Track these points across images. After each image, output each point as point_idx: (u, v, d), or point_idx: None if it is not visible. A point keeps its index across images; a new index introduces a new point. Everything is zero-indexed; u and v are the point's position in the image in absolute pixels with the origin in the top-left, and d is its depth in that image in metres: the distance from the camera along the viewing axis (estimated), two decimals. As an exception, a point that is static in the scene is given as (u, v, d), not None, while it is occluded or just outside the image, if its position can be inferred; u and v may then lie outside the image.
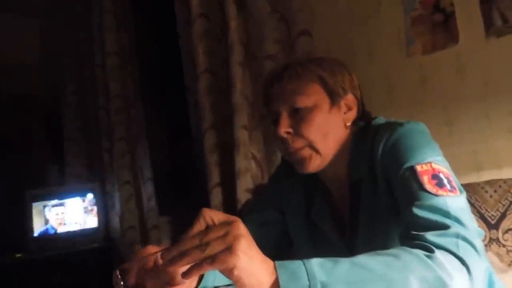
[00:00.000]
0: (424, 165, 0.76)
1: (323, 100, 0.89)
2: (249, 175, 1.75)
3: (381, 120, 0.92)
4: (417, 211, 0.71)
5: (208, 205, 1.80)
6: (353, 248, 0.86)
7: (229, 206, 1.80)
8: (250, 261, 0.56)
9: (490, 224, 1.22)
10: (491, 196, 1.24)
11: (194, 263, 0.56)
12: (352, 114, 0.92)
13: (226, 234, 0.56)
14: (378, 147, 0.84)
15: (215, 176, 1.82)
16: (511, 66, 1.34)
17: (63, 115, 2.79)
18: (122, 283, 0.67)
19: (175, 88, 2.27)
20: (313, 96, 0.88)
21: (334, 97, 0.90)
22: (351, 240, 0.88)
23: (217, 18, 1.88)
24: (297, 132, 0.86)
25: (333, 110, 0.89)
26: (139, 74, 2.41)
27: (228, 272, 0.55)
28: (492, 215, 1.23)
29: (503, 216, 1.21)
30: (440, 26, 1.47)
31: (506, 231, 1.20)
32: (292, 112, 0.87)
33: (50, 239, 2.33)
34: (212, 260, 0.54)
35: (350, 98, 0.91)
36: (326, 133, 0.88)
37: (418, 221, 0.70)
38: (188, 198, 2.30)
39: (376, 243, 0.65)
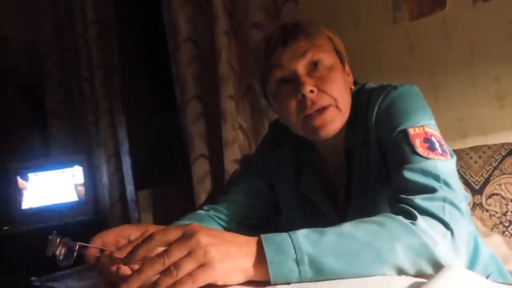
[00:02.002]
0: (417, 128, 0.76)
1: (336, 60, 0.87)
2: (236, 145, 1.74)
3: (372, 85, 0.91)
4: (407, 174, 0.71)
5: (190, 177, 1.79)
6: (345, 217, 0.87)
7: (216, 177, 1.80)
8: (229, 263, 0.56)
9: (474, 190, 1.24)
10: (475, 162, 1.26)
11: None
12: (352, 79, 0.91)
13: (192, 251, 0.54)
14: (373, 111, 0.84)
15: (198, 147, 1.81)
16: (498, 31, 1.32)
17: (45, 87, 2.73)
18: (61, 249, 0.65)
19: (159, 57, 2.23)
20: (330, 54, 0.86)
21: (342, 59, 0.89)
22: (344, 210, 0.89)
23: (199, -16, 1.83)
24: (321, 89, 0.82)
25: (344, 72, 0.88)
26: (120, 44, 2.35)
27: (213, 284, 0.55)
28: (476, 180, 1.24)
29: (486, 181, 1.23)
30: (428, -9, 1.44)
31: (490, 196, 1.22)
32: (311, 71, 0.83)
33: (38, 212, 2.32)
34: (192, 281, 0.52)
35: (347, 63, 0.91)
36: (345, 93, 0.86)
37: (407, 184, 0.71)
38: (171, 171, 2.29)
39: (367, 212, 0.66)
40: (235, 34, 1.77)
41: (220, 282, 0.55)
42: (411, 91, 0.84)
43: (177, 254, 0.53)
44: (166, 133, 2.35)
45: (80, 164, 2.43)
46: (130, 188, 2.20)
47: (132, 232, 0.74)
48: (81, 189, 2.43)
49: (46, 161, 2.53)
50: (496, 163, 1.23)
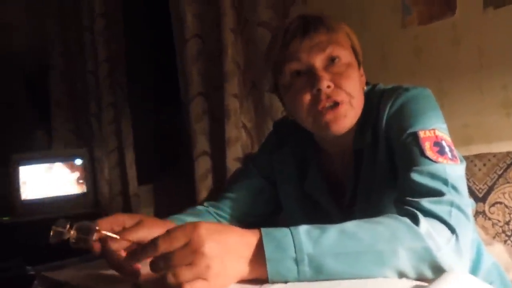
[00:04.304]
0: (427, 132, 0.75)
1: (353, 59, 0.86)
2: (239, 144, 1.73)
3: (382, 86, 0.90)
4: (415, 176, 0.70)
5: (192, 174, 1.79)
6: (350, 218, 0.86)
7: (218, 174, 1.79)
8: (229, 276, 0.56)
9: (478, 197, 1.23)
10: (479, 170, 1.25)
11: None
12: (364, 79, 0.90)
13: (194, 263, 0.53)
14: (384, 112, 0.82)
15: (201, 144, 1.80)
16: (507, 38, 1.31)
17: (50, 77, 2.72)
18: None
19: (165, 52, 2.22)
20: (348, 52, 0.85)
21: (358, 58, 0.87)
22: (349, 211, 0.87)
23: (208, -20, 1.82)
24: (338, 85, 0.80)
25: (359, 71, 0.87)
26: (126, 37, 2.34)
27: None
28: (480, 188, 1.23)
29: (490, 189, 1.22)
30: (438, -4, 1.43)
31: (493, 205, 1.21)
32: (328, 66, 0.82)
33: (38, 203, 2.32)
34: None
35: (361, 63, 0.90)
36: (360, 92, 0.84)
37: (414, 186, 0.70)
38: (173, 167, 2.29)
39: (372, 214, 0.65)
40: (241, 31, 1.76)
41: None
42: (424, 94, 0.83)
43: (179, 262, 0.53)
44: (169, 128, 2.35)
45: (81, 157, 2.43)
46: (132, 182, 2.20)
47: (126, 221, 0.73)
48: (82, 182, 2.43)
49: (48, 153, 2.53)
50: (501, 171, 1.22)
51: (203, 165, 1.80)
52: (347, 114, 0.81)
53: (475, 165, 1.25)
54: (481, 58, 1.36)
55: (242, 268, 0.57)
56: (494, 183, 1.22)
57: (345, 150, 0.90)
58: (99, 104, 2.36)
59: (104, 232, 0.67)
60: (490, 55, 1.35)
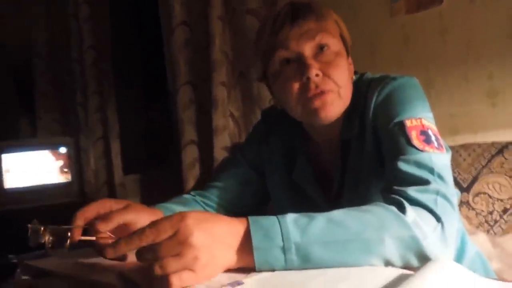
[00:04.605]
0: (414, 120, 0.75)
1: (342, 47, 0.85)
2: (226, 133, 1.73)
3: (370, 75, 0.89)
4: (401, 165, 0.71)
5: (180, 163, 1.78)
6: (337, 207, 0.86)
7: (205, 164, 1.78)
8: (216, 266, 0.56)
9: (462, 187, 1.24)
10: (464, 160, 1.26)
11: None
12: (353, 69, 0.89)
13: (182, 254, 0.52)
14: (371, 101, 0.82)
15: (188, 134, 1.79)
16: (494, 28, 1.32)
17: (34, 67, 2.67)
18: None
19: (152, 40, 2.19)
20: (337, 40, 0.84)
21: (347, 47, 0.87)
22: (336, 201, 0.87)
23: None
24: (326, 74, 0.80)
25: (347, 60, 0.86)
26: (112, 24, 2.31)
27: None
28: (465, 178, 1.25)
29: (474, 179, 1.23)
30: (426, -15, 1.43)
31: (477, 195, 1.23)
32: (317, 54, 0.81)
33: (22, 192, 2.29)
34: (178, 280, 0.52)
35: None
36: (348, 81, 0.84)
37: (401, 175, 0.70)
38: (160, 156, 2.27)
39: (359, 203, 0.65)
40: (229, 20, 1.74)
41: (207, 279, 0.55)
42: (411, 83, 0.83)
43: (166, 253, 0.52)
44: (156, 118, 2.33)
45: (66, 145, 2.39)
46: (118, 172, 2.18)
47: (113, 205, 0.72)
48: (67, 171, 2.40)
49: (32, 141, 2.49)
50: (485, 161, 1.23)
51: (190, 154, 1.79)
52: (334, 102, 0.81)
53: (460, 155, 1.26)
54: (468, 48, 1.37)
55: (230, 257, 0.57)
56: (479, 173, 1.23)
57: (332, 139, 0.89)
58: (84, 93, 2.33)
59: (79, 238, 0.65)
60: (477, 45, 1.36)
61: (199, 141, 1.81)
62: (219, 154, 1.70)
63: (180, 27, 1.80)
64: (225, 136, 1.72)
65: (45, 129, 2.65)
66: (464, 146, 1.27)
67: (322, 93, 0.79)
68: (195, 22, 1.82)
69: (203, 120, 1.80)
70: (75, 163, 2.40)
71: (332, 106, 0.81)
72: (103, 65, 2.26)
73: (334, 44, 0.82)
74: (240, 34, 1.71)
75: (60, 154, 2.39)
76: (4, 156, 2.25)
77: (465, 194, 1.23)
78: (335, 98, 0.81)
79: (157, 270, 0.52)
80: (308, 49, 0.81)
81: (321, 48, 0.81)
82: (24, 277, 0.66)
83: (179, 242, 0.53)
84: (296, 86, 0.81)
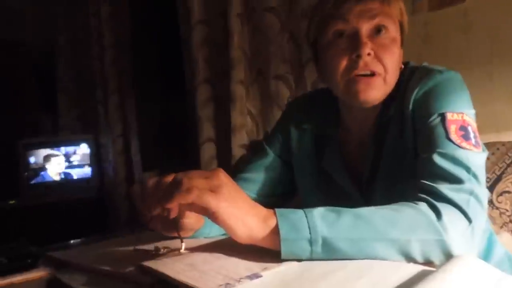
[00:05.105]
0: (455, 114, 0.73)
1: (399, 35, 0.83)
2: (244, 131, 1.73)
3: (414, 63, 0.87)
4: (437, 159, 0.68)
5: (198, 160, 1.78)
6: (369, 196, 0.84)
7: (223, 161, 1.78)
8: (234, 205, 0.58)
9: (486, 187, 1.21)
10: (488, 159, 1.23)
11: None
12: (401, 60, 0.87)
13: (208, 180, 0.57)
14: (413, 90, 0.80)
15: (206, 131, 1.80)
16: (519, 25, 1.29)
17: (56, 64, 2.72)
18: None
19: (170, 39, 2.21)
20: (396, 27, 0.82)
21: (403, 37, 0.85)
22: (367, 190, 0.85)
23: (215, -35, 1.80)
24: (378, 56, 0.78)
25: (400, 50, 0.84)
26: (132, 24, 2.33)
27: (212, 216, 0.57)
28: (488, 177, 1.22)
29: (498, 178, 1.21)
30: (449, -19, 1.41)
31: (501, 194, 1.20)
32: (373, 36, 0.79)
33: (44, 187, 2.36)
34: (197, 194, 0.56)
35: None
36: (396, 69, 0.82)
37: (435, 170, 0.68)
38: (178, 153, 2.28)
39: (394, 193, 0.63)
40: (248, 18, 1.74)
41: (220, 218, 0.57)
42: (456, 77, 0.81)
43: (197, 175, 0.58)
44: (175, 115, 2.34)
45: (87, 142, 2.44)
46: (137, 168, 2.20)
47: None
48: (87, 167, 2.44)
49: (54, 138, 2.55)
50: (510, 160, 1.20)
51: (208, 152, 1.80)
52: (377, 87, 0.79)
53: (484, 154, 1.24)
54: (492, 46, 1.34)
55: (250, 222, 0.58)
56: (503, 172, 1.20)
57: (367, 125, 0.87)
58: (105, 91, 2.36)
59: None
60: (502, 43, 1.32)
61: (217, 139, 1.82)
62: (237, 151, 1.70)
63: (198, 25, 1.81)
64: (243, 134, 1.72)
65: (67, 126, 2.70)
66: (488, 145, 1.24)
67: (369, 75, 0.78)
68: (214, 20, 1.82)
69: (221, 118, 1.80)
70: (95, 159, 2.44)
71: (374, 90, 0.79)
72: (123, 64, 2.29)
73: (392, 29, 0.81)
74: (259, 32, 1.71)
75: (80, 151, 2.44)
76: (28, 153, 2.33)
77: (489, 193, 1.21)
78: (380, 83, 0.79)
79: (185, 181, 0.56)
80: (366, 26, 0.79)
81: (378, 30, 0.79)
82: (46, 268, 0.67)
83: (210, 173, 0.59)
84: (344, 60, 0.79)
